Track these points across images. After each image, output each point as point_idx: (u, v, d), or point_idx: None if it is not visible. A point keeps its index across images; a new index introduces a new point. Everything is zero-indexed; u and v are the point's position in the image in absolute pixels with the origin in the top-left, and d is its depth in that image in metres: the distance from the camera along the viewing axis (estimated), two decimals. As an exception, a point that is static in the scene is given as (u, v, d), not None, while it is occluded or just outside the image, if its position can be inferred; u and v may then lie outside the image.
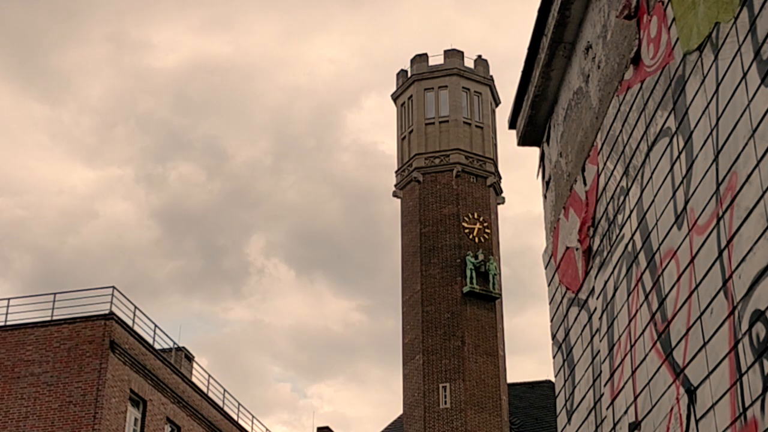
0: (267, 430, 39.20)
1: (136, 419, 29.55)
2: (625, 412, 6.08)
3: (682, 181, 5.32)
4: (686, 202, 5.23)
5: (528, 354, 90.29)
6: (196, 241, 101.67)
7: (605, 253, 6.69)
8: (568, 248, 7.66)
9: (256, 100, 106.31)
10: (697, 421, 4.93)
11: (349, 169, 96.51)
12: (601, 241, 6.80)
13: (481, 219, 43.03)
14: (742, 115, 4.56)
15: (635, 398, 5.91)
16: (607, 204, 6.69)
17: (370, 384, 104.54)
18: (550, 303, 8.18)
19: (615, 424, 6.28)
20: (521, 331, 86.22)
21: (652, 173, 5.79)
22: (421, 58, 46.22)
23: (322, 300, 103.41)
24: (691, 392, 5.01)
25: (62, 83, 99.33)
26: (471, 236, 42.41)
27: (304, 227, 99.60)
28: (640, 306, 5.89)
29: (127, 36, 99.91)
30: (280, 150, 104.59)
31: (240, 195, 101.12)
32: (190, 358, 37.42)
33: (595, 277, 6.90)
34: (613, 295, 6.45)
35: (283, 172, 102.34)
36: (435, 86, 45.47)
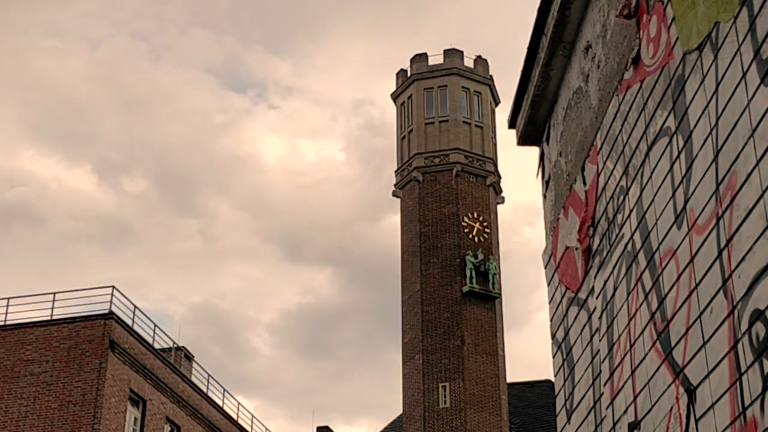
0: (266, 429, 39.23)
1: (135, 419, 29.55)
2: (625, 411, 6.08)
3: (681, 181, 5.32)
4: (686, 202, 5.23)
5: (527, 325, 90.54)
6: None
7: (605, 253, 6.70)
8: (567, 248, 7.66)
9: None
10: (696, 421, 4.93)
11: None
12: (601, 240, 6.80)
13: (480, 219, 43.02)
14: (741, 115, 4.56)
15: (635, 398, 5.91)
16: (607, 203, 6.69)
17: (358, 353, 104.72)
18: (549, 302, 8.18)
19: (614, 424, 6.28)
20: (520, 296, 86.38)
21: (652, 173, 5.79)
22: (420, 58, 46.21)
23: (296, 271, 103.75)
24: (691, 392, 5.01)
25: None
26: (471, 236, 42.41)
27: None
28: (640, 305, 5.89)
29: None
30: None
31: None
32: (189, 357, 37.43)
33: (595, 277, 6.90)
34: (613, 294, 6.45)
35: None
36: (435, 86, 45.45)
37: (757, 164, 4.37)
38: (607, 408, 6.48)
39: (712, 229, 4.85)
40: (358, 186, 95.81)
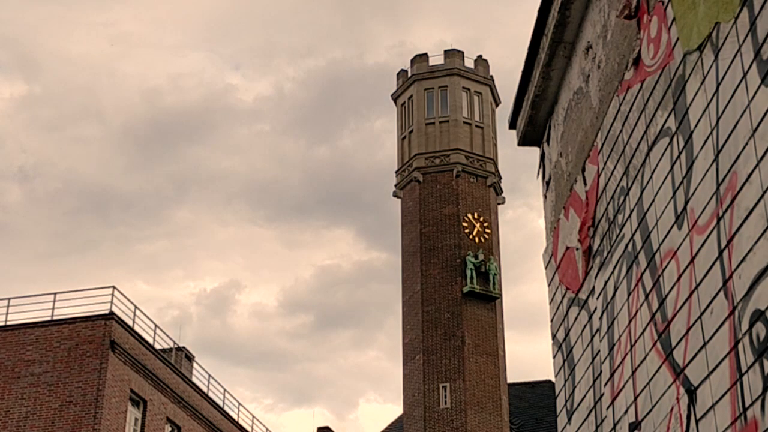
0: (267, 429, 39.23)
1: (136, 419, 29.56)
2: (626, 412, 6.08)
3: (682, 181, 5.32)
4: (686, 202, 5.23)
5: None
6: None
7: (605, 253, 6.69)
8: (568, 248, 7.66)
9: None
10: (697, 421, 4.93)
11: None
12: (601, 241, 6.80)
13: (481, 219, 43.04)
14: (742, 115, 4.56)
15: (635, 398, 5.91)
16: (607, 204, 6.69)
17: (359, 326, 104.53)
18: (550, 303, 8.18)
19: (615, 424, 6.28)
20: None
21: (652, 173, 5.79)
22: (421, 58, 46.23)
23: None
24: (691, 392, 5.01)
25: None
26: (471, 236, 42.43)
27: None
28: (640, 306, 5.89)
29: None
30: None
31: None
32: (190, 358, 37.43)
33: (595, 277, 6.90)
34: (613, 295, 6.45)
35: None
36: (435, 86, 45.48)
37: (757, 164, 4.37)
38: (607, 408, 6.48)
39: (712, 230, 4.85)
40: (351, 145, 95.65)
